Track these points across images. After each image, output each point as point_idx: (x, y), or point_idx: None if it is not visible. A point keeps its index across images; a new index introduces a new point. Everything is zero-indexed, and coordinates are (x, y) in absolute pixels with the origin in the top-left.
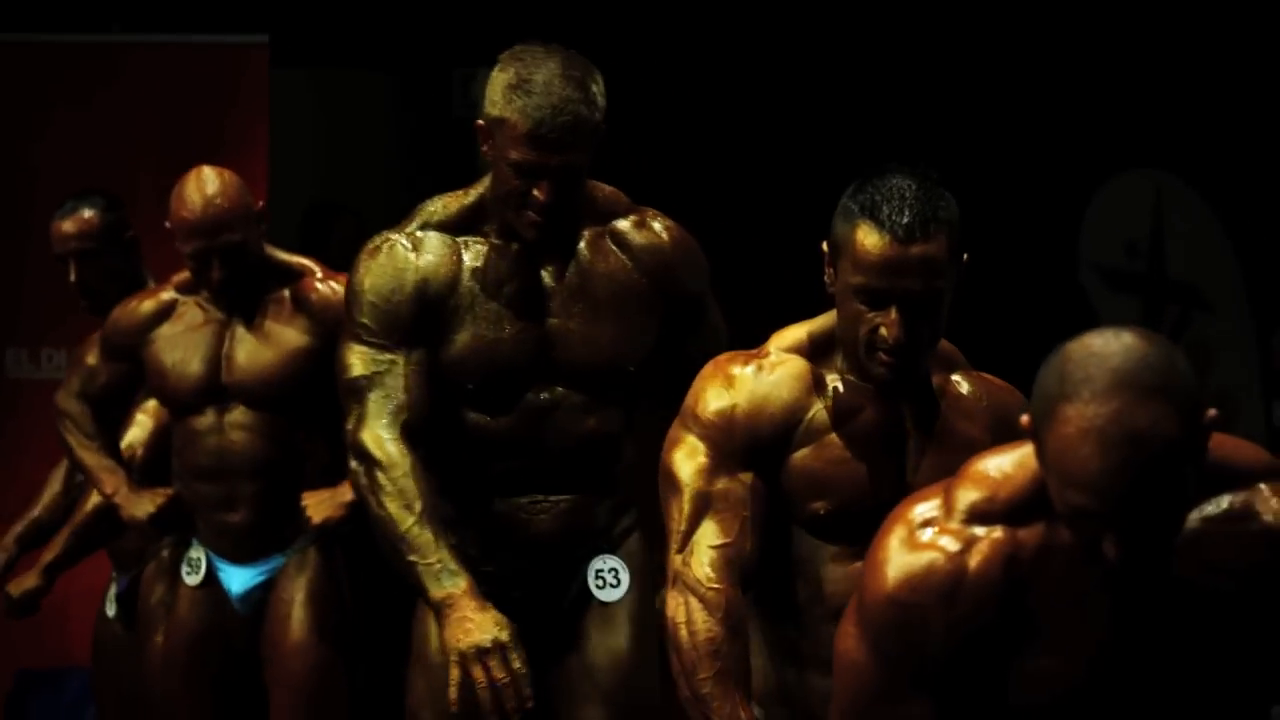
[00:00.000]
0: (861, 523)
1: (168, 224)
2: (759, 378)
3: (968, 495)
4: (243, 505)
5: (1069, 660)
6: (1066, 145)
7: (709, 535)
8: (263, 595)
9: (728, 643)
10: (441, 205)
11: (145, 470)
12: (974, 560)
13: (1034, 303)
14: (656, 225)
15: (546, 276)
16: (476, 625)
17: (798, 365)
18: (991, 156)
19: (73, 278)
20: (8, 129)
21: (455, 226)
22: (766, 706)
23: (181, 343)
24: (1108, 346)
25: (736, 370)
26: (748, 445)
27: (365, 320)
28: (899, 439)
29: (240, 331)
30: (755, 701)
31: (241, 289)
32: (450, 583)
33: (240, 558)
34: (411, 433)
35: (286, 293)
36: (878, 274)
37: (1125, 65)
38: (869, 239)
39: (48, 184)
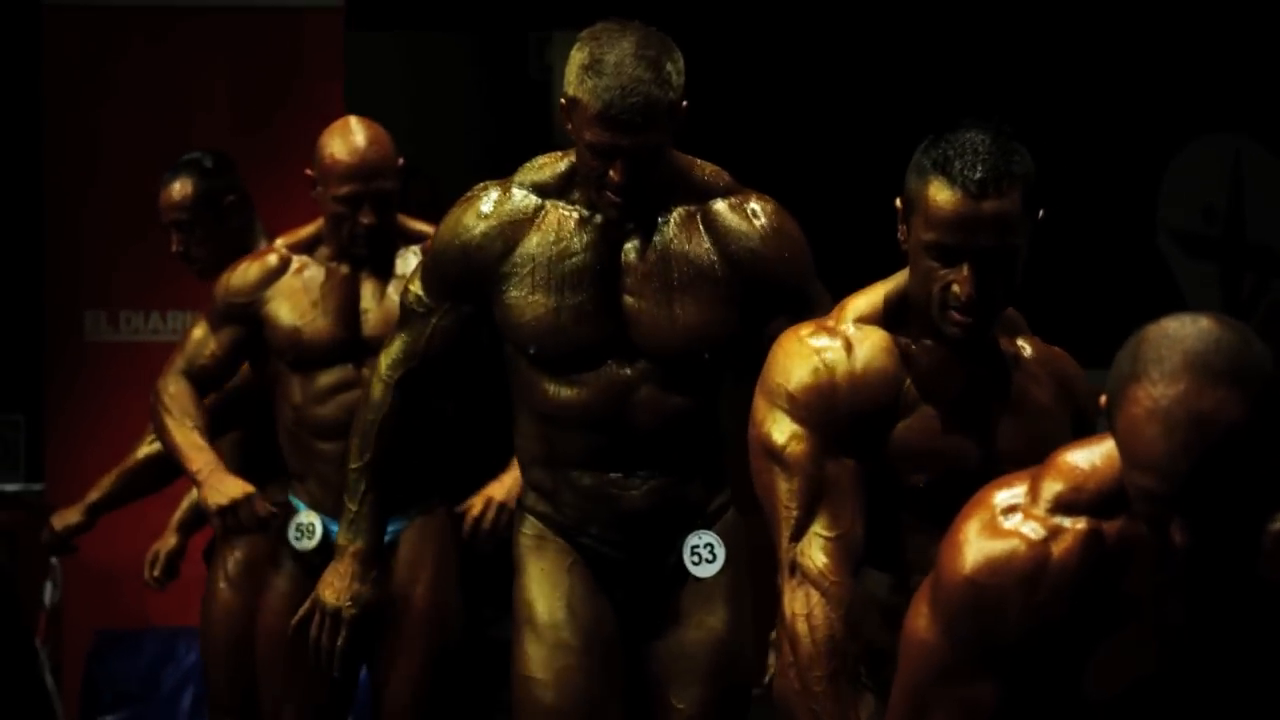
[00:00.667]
0: (955, 493)
1: (309, 171)
2: (852, 355)
3: (1054, 485)
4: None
5: (1143, 654)
6: (1146, 108)
7: (824, 524)
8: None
9: (846, 640)
10: (540, 165)
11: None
12: (1058, 550)
13: (1111, 267)
14: (753, 208)
15: (627, 252)
16: (339, 588)
17: (881, 336)
18: (1071, 118)
19: (174, 247)
20: (78, 94)
21: (547, 189)
22: None
23: (306, 299)
24: (1183, 329)
25: (823, 345)
26: (853, 425)
27: (426, 263)
28: (983, 405)
29: (372, 286)
30: None
31: (379, 243)
32: (351, 536)
33: None
34: (413, 381)
35: (412, 254)
36: (950, 230)
37: (1206, 27)
38: (941, 194)
39: (117, 149)
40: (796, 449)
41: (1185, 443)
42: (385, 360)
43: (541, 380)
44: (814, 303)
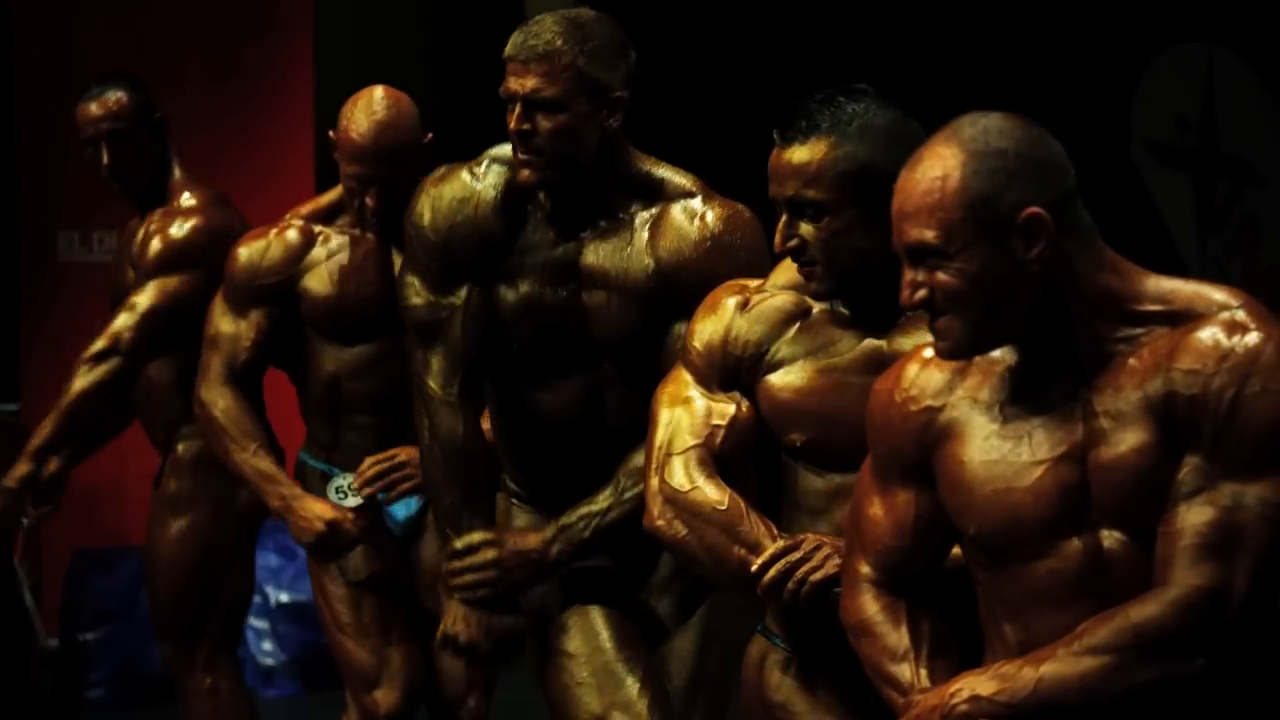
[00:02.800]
0: (833, 455)
1: (331, 134)
2: (744, 311)
3: None
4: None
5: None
6: (1118, 19)
7: (679, 443)
8: (423, 521)
9: (736, 504)
10: (506, 149)
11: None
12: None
13: (1084, 178)
14: (705, 212)
15: (587, 252)
16: (471, 623)
17: (785, 298)
18: (1043, 31)
19: (105, 160)
20: (50, 15)
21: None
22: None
23: (341, 269)
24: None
25: (725, 299)
26: (725, 372)
27: (422, 261)
28: (877, 367)
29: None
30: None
31: (389, 222)
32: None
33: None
34: (471, 388)
35: None
36: (770, 180)
37: None
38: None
39: (90, 70)
40: (668, 392)
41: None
42: (433, 381)
43: (517, 378)
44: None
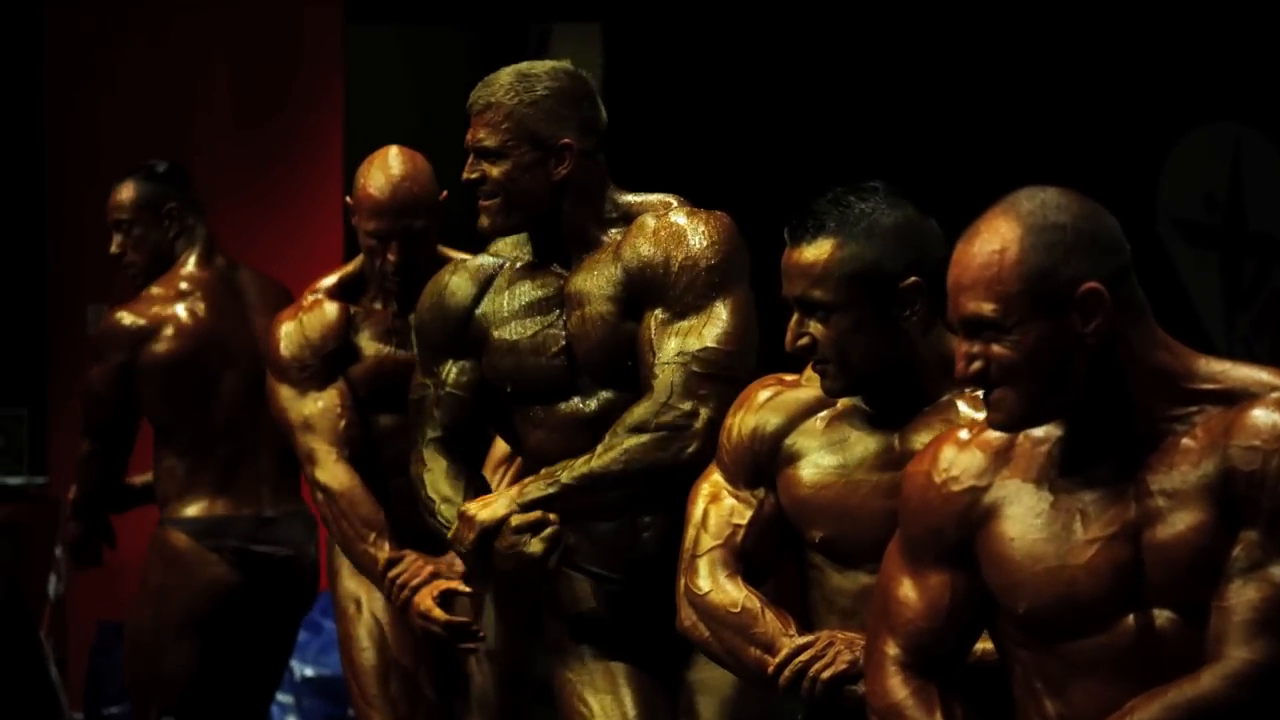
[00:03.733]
0: (853, 552)
1: (349, 200)
2: (755, 400)
3: None
4: None
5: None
6: (1147, 96)
7: (703, 544)
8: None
9: (751, 604)
10: (514, 239)
11: None
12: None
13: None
14: (670, 216)
15: (568, 281)
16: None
17: (811, 391)
18: (1072, 105)
19: (113, 249)
20: (80, 89)
21: (503, 253)
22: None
23: (373, 343)
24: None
25: (756, 393)
26: (750, 467)
27: (418, 344)
28: (888, 465)
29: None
30: None
31: (409, 280)
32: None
33: None
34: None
35: None
36: (782, 278)
37: (1207, 15)
38: None
39: (119, 144)
40: (700, 489)
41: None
42: (416, 449)
43: (520, 422)
44: (697, 311)
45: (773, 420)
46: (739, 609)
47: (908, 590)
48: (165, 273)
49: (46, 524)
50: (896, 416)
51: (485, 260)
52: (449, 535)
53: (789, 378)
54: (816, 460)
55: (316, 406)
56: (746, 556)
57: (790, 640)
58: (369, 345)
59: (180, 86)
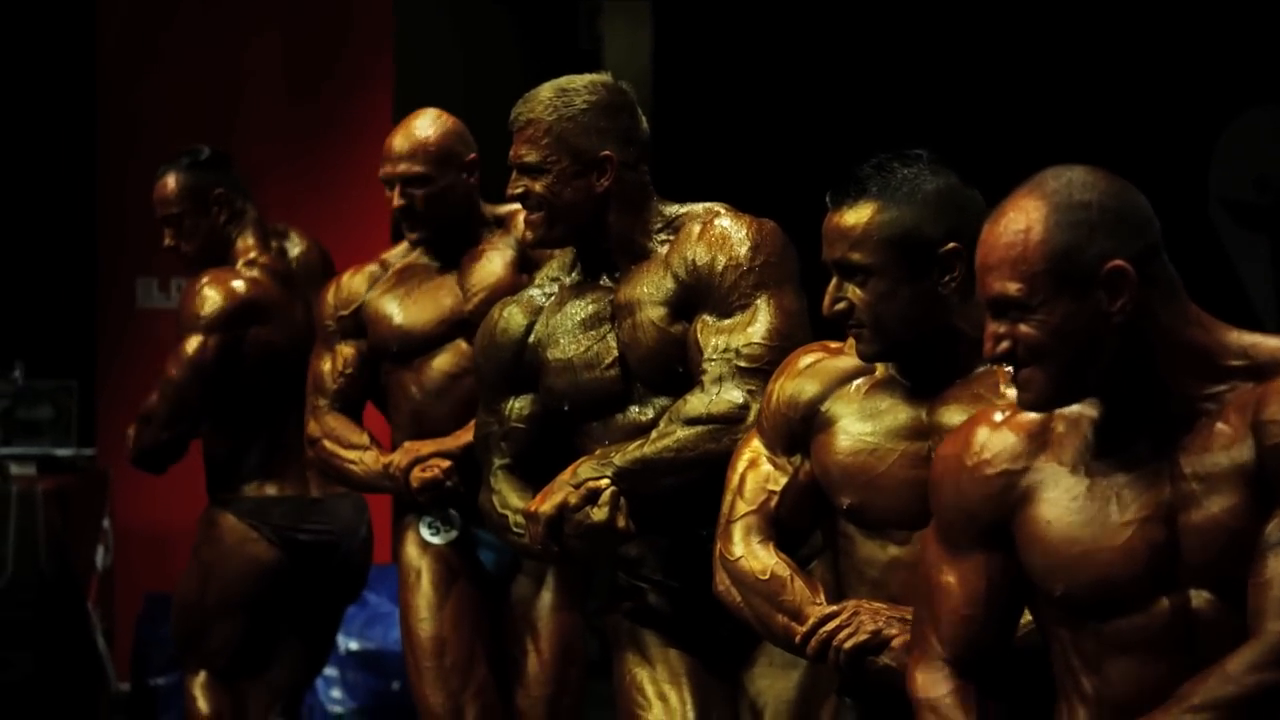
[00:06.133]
0: (880, 517)
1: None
2: (811, 367)
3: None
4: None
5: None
6: (1198, 78)
7: (738, 510)
8: (516, 561)
9: (781, 571)
10: (560, 259)
11: None
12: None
13: (1161, 236)
14: (716, 221)
15: (618, 290)
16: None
17: (850, 360)
18: (1124, 88)
19: (166, 241)
20: (130, 64)
21: (547, 281)
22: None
23: (399, 294)
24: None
25: (798, 359)
26: (786, 433)
27: (478, 381)
28: (914, 435)
29: (455, 275)
30: None
31: (420, 226)
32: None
33: None
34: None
35: (501, 231)
36: (822, 243)
37: None
38: None
39: (168, 119)
40: (740, 457)
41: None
42: (487, 475)
43: (580, 440)
44: (743, 310)
45: (809, 387)
46: (768, 575)
47: (948, 576)
48: (225, 256)
49: (95, 495)
50: (930, 387)
51: (533, 292)
52: (525, 542)
53: (834, 345)
54: (849, 427)
55: (322, 365)
56: (780, 523)
57: (817, 609)
58: (389, 304)
59: (229, 60)
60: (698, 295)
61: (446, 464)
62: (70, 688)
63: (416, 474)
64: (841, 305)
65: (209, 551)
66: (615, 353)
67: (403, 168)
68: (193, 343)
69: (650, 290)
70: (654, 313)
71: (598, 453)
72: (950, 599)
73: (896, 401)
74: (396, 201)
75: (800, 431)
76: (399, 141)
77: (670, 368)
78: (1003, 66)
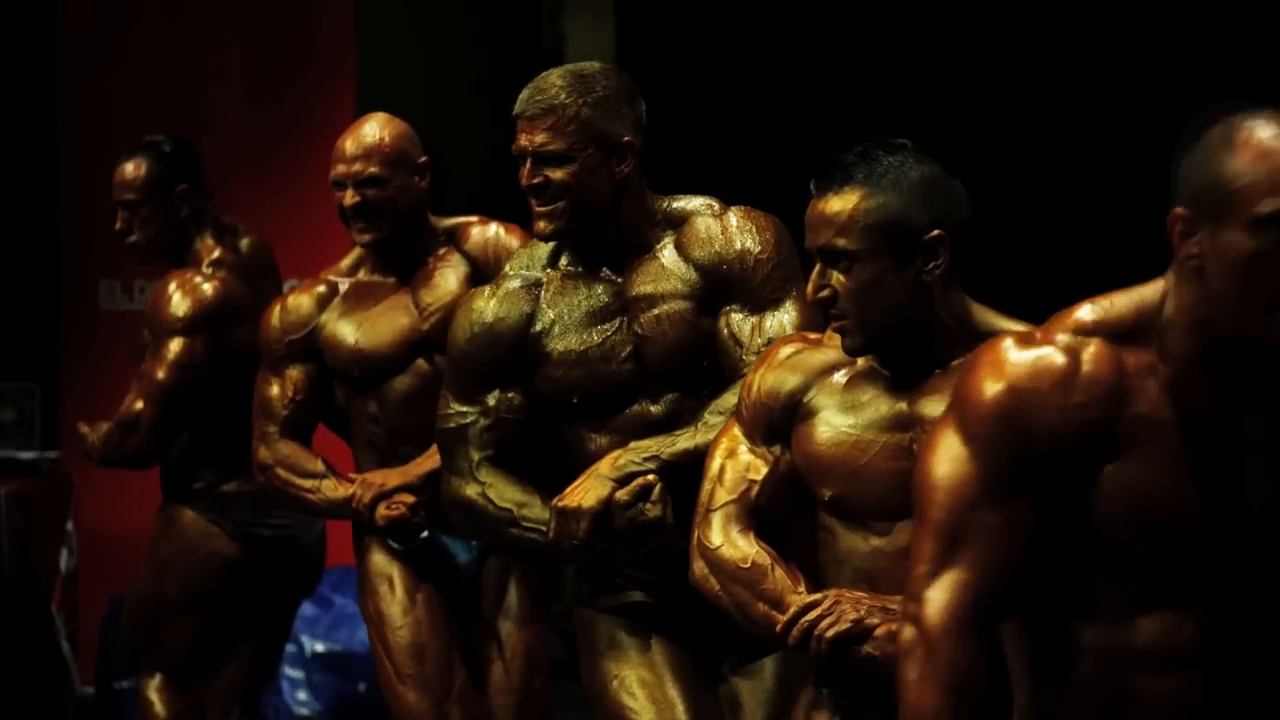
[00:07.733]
0: (860, 509)
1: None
2: (791, 358)
3: (1069, 315)
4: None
5: (1169, 495)
6: (1191, 76)
7: (717, 499)
8: (484, 559)
9: (761, 560)
10: (518, 256)
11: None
12: (1086, 355)
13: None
14: (727, 216)
15: (627, 290)
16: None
17: (831, 352)
18: (1113, 84)
19: (117, 225)
20: (93, 64)
21: (534, 267)
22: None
23: (356, 318)
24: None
25: (779, 350)
26: (767, 424)
27: (452, 372)
28: (897, 427)
29: (410, 293)
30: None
31: (372, 225)
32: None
33: None
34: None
35: (451, 247)
36: (806, 230)
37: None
38: None
39: (132, 119)
40: (719, 447)
41: None
42: (463, 478)
43: (583, 430)
44: (775, 303)
45: (790, 379)
46: (749, 564)
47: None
48: (177, 252)
49: (58, 498)
50: (910, 378)
51: (511, 283)
52: (549, 535)
53: (813, 336)
54: (830, 419)
55: (271, 389)
56: (760, 513)
57: (798, 598)
58: (345, 328)
59: (193, 62)
60: (727, 288)
61: (411, 499)
62: (34, 691)
63: (382, 512)
64: (825, 293)
65: (168, 548)
66: (630, 346)
67: (357, 167)
68: (177, 345)
69: (674, 284)
70: (680, 306)
71: (634, 446)
72: (998, 549)
73: (878, 393)
74: (349, 200)
75: (781, 423)
76: (351, 144)
77: (693, 361)
78: (981, 58)
